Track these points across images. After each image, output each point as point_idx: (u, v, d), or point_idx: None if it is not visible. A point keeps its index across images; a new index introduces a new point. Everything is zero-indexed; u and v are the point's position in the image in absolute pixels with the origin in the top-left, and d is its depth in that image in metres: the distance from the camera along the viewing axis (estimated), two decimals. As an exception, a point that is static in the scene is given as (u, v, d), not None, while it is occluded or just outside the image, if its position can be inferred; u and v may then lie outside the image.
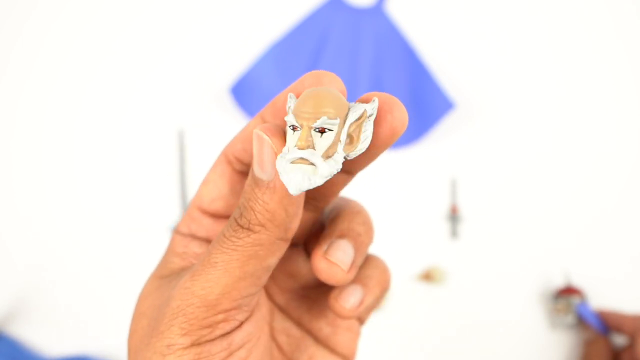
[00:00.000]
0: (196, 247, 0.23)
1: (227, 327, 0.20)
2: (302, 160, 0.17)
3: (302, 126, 0.17)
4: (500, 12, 0.65)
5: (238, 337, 0.21)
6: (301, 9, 0.63)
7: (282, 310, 0.25)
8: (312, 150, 0.17)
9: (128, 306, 0.51)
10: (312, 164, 0.17)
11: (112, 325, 0.50)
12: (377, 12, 0.63)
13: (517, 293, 0.54)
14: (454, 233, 0.56)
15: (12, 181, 0.58)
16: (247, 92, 0.59)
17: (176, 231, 0.23)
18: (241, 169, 0.23)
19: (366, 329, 0.53)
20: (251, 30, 0.64)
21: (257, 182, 0.19)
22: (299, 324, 0.24)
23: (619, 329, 0.50)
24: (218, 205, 0.23)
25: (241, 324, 0.21)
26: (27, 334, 0.50)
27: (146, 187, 0.58)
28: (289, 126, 0.18)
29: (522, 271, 0.55)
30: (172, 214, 0.56)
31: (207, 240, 0.23)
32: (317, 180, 0.17)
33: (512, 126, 0.61)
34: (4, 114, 0.61)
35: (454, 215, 0.56)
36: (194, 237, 0.23)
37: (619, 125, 0.61)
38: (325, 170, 0.17)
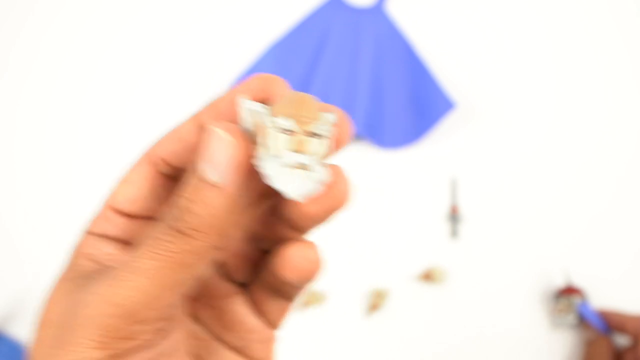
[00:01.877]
0: (107, 248, 0.21)
1: (149, 337, 0.18)
2: (300, 165, 0.16)
3: (301, 130, 0.16)
4: (501, 12, 0.65)
5: (164, 347, 0.19)
6: (301, 8, 0.63)
7: (190, 314, 0.22)
8: (311, 155, 0.17)
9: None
10: (307, 169, 0.17)
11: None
12: (377, 12, 0.63)
13: (518, 293, 0.54)
14: (454, 233, 0.55)
15: (13, 181, 0.58)
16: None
17: (86, 231, 0.22)
18: (167, 172, 0.21)
19: (366, 329, 0.53)
20: (251, 30, 0.64)
21: (203, 184, 0.17)
22: (209, 330, 0.22)
23: (621, 329, 0.50)
24: (136, 207, 0.21)
25: (166, 333, 0.19)
26: (27, 334, 0.50)
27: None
28: (277, 128, 0.17)
29: (523, 271, 0.55)
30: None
31: (119, 241, 0.21)
32: (317, 186, 0.17)
33: (513, 126, 0.60)
34: (5, 113, 0.61)
35: (454, 215, 0.56)
36: (105, 237, 0.21)
37: (620, 124, 0.60)
38: (326, 177, 0.17)
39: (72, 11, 0.65)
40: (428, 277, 0.53)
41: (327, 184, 0.18)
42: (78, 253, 0.21)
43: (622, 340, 0.51)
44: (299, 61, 0.61)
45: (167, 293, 0.18)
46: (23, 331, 0.50)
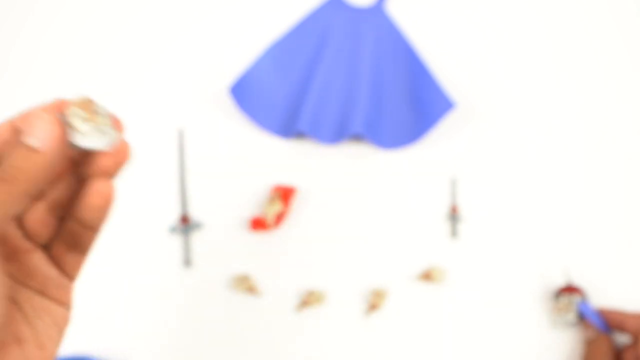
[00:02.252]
0: None
1: None
2: (94, 128, 0.26)
3: (90, 112, 0.27)
4: (501, 12, 0.65)
5: None
6: (301, 8, 0.63)
7: None
8: (99, 123, 0.27)
9: (127, 305, 0.52)
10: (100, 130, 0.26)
11: (112, 324, 0.50)
12: (377, 12, 0.63)
13: (518, 293, 0.54)
14: (454, 233, 0.55)
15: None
16: (246, 92, 0.59)
17: None
18: None
19: (365, 329, 0.53)
20: (251, 30, 0.64)
21: (27, 149, 0.23)
22: (16, 279, 0.26)
23: (621, 328, 0.50)
24: None
25: None
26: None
27: (145, 186, 0.58)
28: (77, 115, 0.26)
29: (523, 271, 0.55)
30: (172, 214, 0.56)
31: None
32: (109, 141, 0.26)
33: (512, 126, 0.60)
34: (5, 113, 0.61)
35: (453, 215, 0.56)
36: None
37: (619, 123, 0.60)
38: (114, 135, 0.27)
39: (72, 11, 0.65)
40: (427, 277, 0.53)
41: (114, 144, 0.26)
42: None
43: (622, 339, 0.51)
44: (298, 61, 0.61)
45: None
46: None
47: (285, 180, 0.58)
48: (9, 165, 0.23)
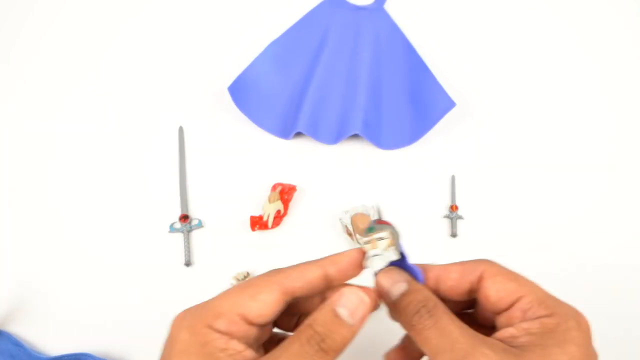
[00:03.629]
0: (236, 345, 0.28)
1: None
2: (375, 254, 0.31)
3: (370, 241, 0.31)
4: (500, 12, 0.65)
5: None
6: (301, 6, 0.63)
7: None
8: (377, 249, 0.31)
9: (127, 305, 0.52)
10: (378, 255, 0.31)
11: (112, 324, 0.50)
12: (377, 10, 0.63)
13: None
14: (454, 231, 0.56)
15: (12, 180, 0.58)
16: (243, 91, 0.59)
17: (211, 327, 0.28)
18: (290, 301, 0.30)
19: (365, 327, 0.53)
20: (251, 28, 0.64)
21: (342, 322, 0.28)
22: None
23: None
24: (260, 320, 0.29)
25: None
26: (27, 333, 0.50)
27: (146, 185, 0.58)
28: (364, 242, 0.31)
29: (522, 270, 0.55)
30: (172, 212, 0.56)
31: (241, 339, 0.29)
32: (383, 263, 0.31)
33: (512, 124, 0.60)
34: (6, 113, 0.61)
35: (453, 214, 0.56)
36: (232, 336, 0.28)
37: (617, 121, 0.61)
38: (388, 255, 0.31)
39: (72, 11, 0.65)
40: (427, 275, 0.53)
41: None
42: (210, 345, 0.28)
43: None
44: (298, 59, 0.61)
45: None
46: (23, 331, 0.50)
47: (285, 179, 0.58)
48: (326, 337, 0.28)
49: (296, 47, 0.62)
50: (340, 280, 0.32)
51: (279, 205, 0.55)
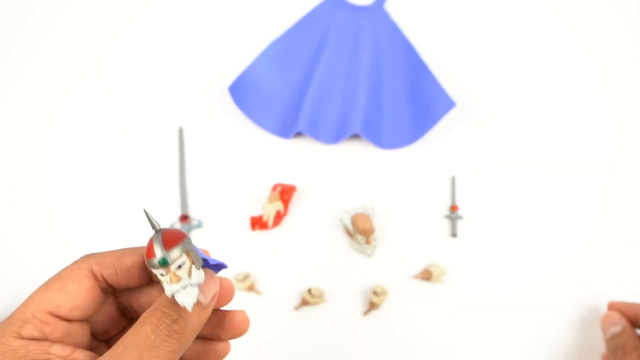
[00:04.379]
0: (60, 350, 0.25)
1: None
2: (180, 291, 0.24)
3: (167, 272, 0.24)
4: (500, 12, 0.65)
5: None
6: (301, 6, 0.63)
7: None
8: (181, 280, 0.24)
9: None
10: (185, 287, 0.24)
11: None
12: (377, 10, 0.63)
13: (517, 291, 0.54)
14: (454, 232, 0.56)
15: (11, 180, 0.58)
16: (244, 91, 0.59)
17: (20, 337, 0.24)
18: (102, 287, 0.27)
19: (365, 328, 0.53)
20: (251, 29, 0.63)
21: (202, 306, 0.25)
22: None
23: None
24: (77, 313, 0.26)
25: None
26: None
27: (146, 185, 0.58)
28: (159, 275, 0.24)
29: (522, 270, 0.55)
30: (172, 211, 0.56)
31: (66, 341, 0.25)
32: (195, 291, 0.24)
33: (512, 124, 0.60)
34: (6, 113, 0.61)
35: (453, 214, 0.56)
36: (52, 339, 0.25)
37: (620, 122, 0.61)
38: (196, 279, 0.25)
39: (72, 11, 0.65)
40: (427, 275, 0.53)
41: (209, 297, 0.26)
42: (31, 359, 0.24)
43: None
44: (298, 59, 0.61)
45: None
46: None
47: (285, 179, 0.58)
48: (190, 322, 0.24)
49: (296, 47, 0.62)
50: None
51: (279, 205, 0.55)
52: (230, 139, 0.60)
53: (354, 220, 0.54)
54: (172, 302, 0.24)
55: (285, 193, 0.56)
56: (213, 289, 0.26)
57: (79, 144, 0.60)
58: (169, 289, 0.24)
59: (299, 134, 0.60)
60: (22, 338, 0.24)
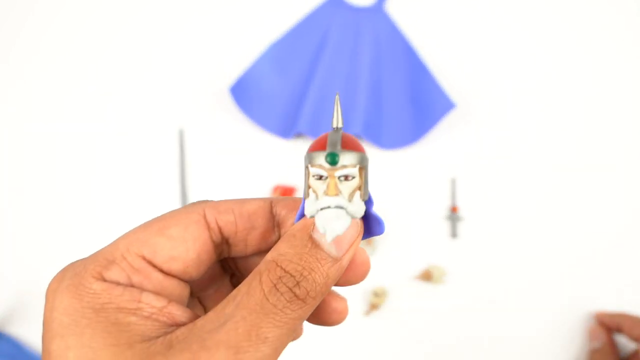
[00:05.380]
0: (153, 300, 0.19)
1: None
2: (331, 208, 0.19)
3: (330, 176, 0.19)
4: (500, 12, 0.65)
5: None
6: (301, 8, 0.63)
7: None
8: (340, 197, 0.19)
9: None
10: (341, 207, 0.19)
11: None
12: (377, 11, 0.63)
13: (517, 292, 0.54)
14: (454, 233, 0.56)
15: (11, 180, 0.58)
16: (245, 92, 0.59)
17: (103, 279, 0.19)
18: (216, 240, 0.21)
19: (365, 328, 0.53)
20: (251, 29, 0.63)
21: (324, 255, 0.19)
22: None
23: (620, 330, 0.50)
24: (175, 266, 0.20)
25: None
26: (27, 334, 0.50)
27: (146, 186, 0.58)
28: (314, 175, 0.19)
29: (521, 270, 0.55)
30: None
31: (159, 293, 0.20)
32: (347, 222, 0.19)
33: (512, 126, 0.60)
34: (6, 113, 0.61)
35: (453, 215, 0.56)
36: (142, 289, 0.19)
37: (621, 122, 0.60)
38: (355, 210, 0.19)
39: (72, 11, 0.65)
40: (427, 276, 0.53)
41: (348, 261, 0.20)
42: (115, 309, 0.18)
43: (629, 345, 0.51)
44: (298, 60, 0.61)
45: (278, 358, 0.19)
46: (23, 331, 0.50)
47: (286, 179, 0.58)
48: (304, 279, 0.19)
49: (297, 48, 0.62)
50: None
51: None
52: (231, 139, 0.60)
53: None
54: (297, 255, 0.19)
55: (285, 194, 0.56)
56: (350, 235, 0.19)
57: (79, 144, 0.60)
58: (313, 205, 0.18)
59: (299, 135, 0.60)
60: (105, 280, 0.19)
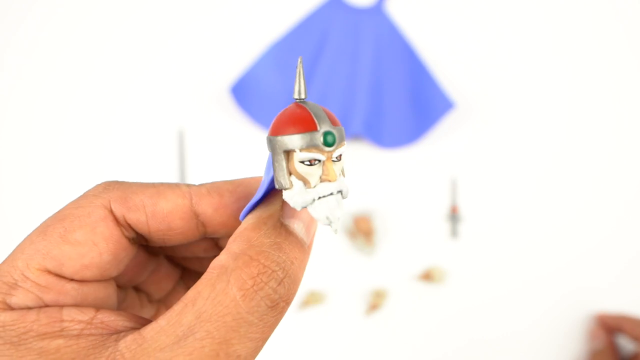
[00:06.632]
0: (77, 315, 0.16)
1: None
2: (333, 195, 0.16)
3: (327, 159, 0.16)
4: (500, 12, 0.65)
5: None
6: (301, 8, 0.63)
7: None
8: (339, 180, 0.16)
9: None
10: (339, 192, 0.16)
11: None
12: (377, 12, 0.63)
13: (518, 292, 0.54)
14: (454, 233, 0.55)
15: (13, 180, 0.58)
16: (247, 92, 0.59)
17: (8, 307, 0.16)
18: (129, 236, 0.18)
19: (366, 329, 0.53)
20: (251, 30, 0.64)
21: (299, 244, 0.17)
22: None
23: (620, 331, 0.49)
24: (90, 273, 0.17)
25: None
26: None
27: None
28: (303, 161, 0.16)
29: (522, 271, 0.55)
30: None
31: (79, 305, 0.17)
32: (343, 204, 0.16)
33: (512, 126, 0.60)
34: (5, 113, 0.61)
35: (454, 215, 0.56)
36: (60, 305, 0.17)
37: (621, 124, 0.60)
38: (347, 190, 0.17)
39: (71, 11, 0.65)
40: (428, 277, 0.53)
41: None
42: (36, 335, 0.15)
43: (630, 347, 0.51)
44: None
45: None
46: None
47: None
48: (292, 274, 0.16)
49: (297, 48, 0.62)
50: (223, 227, 0.19)
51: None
52: (231, 139, 0.60)
53: (355, 221, 0.53)
54: (275, 245, 0.16)
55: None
56: (315, 227, 0.17)
57: (79, 144, 0.60)
58: (304, 195, 0.15)
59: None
60: (12, 309, 0.16)
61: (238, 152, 0.60)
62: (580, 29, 0.64)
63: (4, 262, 0.17)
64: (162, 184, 0.19)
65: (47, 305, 0.16)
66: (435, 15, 0.64)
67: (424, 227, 0.56)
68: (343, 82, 0.60)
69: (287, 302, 0.16)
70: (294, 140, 0.16)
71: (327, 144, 0.16)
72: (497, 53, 0.63)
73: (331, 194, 0.16)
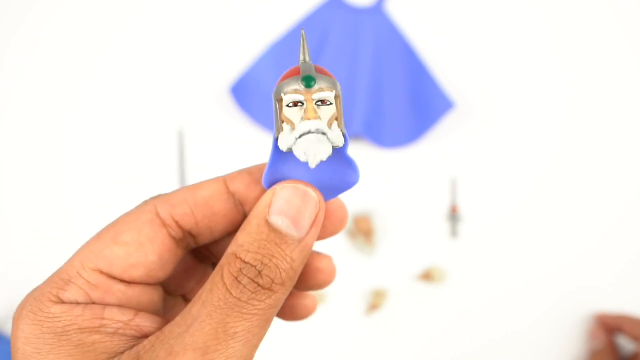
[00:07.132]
0: (117, 315, 0.18)
1: None
2: (312, 133, 0.18)
3: (307, 100, 0.18)
4: (500, 12, 0.65)
5: None
6: (301, 8, 0.63)
7: None
8: (319, 120, 0.18)
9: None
10: (322, 133, 0.18)
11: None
12: (377, 12, 0.63)
13: (518, 292, 0.54)
14: (454, 233, 0.55)
15: (12, 180, 0.58)
16: (246, 92, 0.59)
17: (61, 301, 0.18)
18: (177, 236, 0.20)
19: (366, 329, 0.53)
20: (251, 30, 0.64)
21: (283, 239, 0.18)
22: None
23: (620, 331, 0.49)
24: (137, 274, 0.19)
25: None
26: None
27: (146, 185, 0.58)
28: (288, 104, 0.18)
29: (522, 271, 0.55)
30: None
31: (124, 305, 0.19)
32: (329, 149, 0.18)
33: (512, 126, 0.60)
34: (4, 114, 0.61)
35: (454, 215, 0.56)
36: (105, 304, 0.18)
37: (622, 124, 0.60)
38: (335, 137, 0.18)
39: (71, 11, 0.65)
40: (428, 277, 0.53)
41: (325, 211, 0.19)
42: (75, 333, 0.17)
43: (630, 347, 0.51)
44: (298, 61, 0.61)
45: (255, 351, 0.18)
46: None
47: (285, 180, 0.58)
48: (266, 267, 0.18)
49: (297, 48, 0.62)
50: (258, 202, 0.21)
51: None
52: (231, 139, 0.60)
53: (355, 221, 0.54)
54: (254, 243, 0.18)
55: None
56: (309, 212, 0.18)
57: (79, 144, 0.60)
58: (289, 136, 0.17)
59: (299, 135, 0.60)
60: (63, 302, 0.18)
61: (238, 152, 0.60)
62: (581, 29, 0.64)
63: (65, 263, 0.19)
64: (200, 182, 0.21)
65: (93, 303, 0.18)
66: (435, 15, 0.64)
67: (424, 227, 0.56)
68: (343, 82, 0.60)
69: (272, 289, 0.18)
70: (281, 87, 0.18)
71: (305, 85, 0.18)
72: (497, 53, 0.63)
73: (309, 131, 0.17)
